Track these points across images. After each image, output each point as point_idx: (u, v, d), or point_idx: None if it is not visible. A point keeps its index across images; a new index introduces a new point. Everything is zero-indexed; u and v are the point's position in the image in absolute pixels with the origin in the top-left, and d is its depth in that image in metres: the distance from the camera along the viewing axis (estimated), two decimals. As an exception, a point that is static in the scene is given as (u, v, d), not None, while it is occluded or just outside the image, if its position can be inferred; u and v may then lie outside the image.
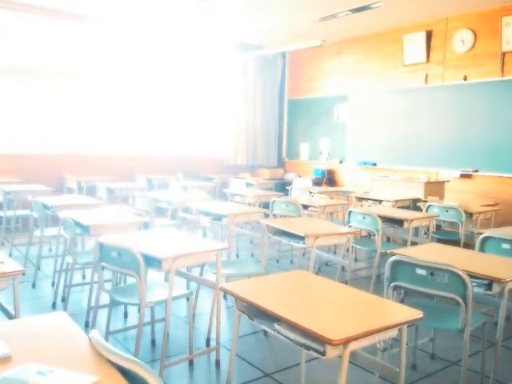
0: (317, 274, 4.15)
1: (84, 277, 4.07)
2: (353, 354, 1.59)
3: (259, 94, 8.21)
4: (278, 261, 4.86)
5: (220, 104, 8.00)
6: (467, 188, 5.84)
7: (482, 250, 2.86)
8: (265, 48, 7.86)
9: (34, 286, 3.78)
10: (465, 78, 5.85)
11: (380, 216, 3.75)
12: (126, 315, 3.21)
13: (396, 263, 2.11)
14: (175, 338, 2.83)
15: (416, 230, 4.68)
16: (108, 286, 2.57)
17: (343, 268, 4.42)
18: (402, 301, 2.83)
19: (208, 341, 2.77)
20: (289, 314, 1.40)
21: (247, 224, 6.01)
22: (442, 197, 5.45)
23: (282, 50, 7.82)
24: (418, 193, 5.24)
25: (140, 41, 6.94)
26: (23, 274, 1.82)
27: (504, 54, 5.49)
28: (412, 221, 3.73)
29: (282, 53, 8.34)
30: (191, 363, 2.49)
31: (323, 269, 4.66)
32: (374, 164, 6.92)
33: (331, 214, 5.32)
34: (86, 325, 2.95)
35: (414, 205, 5.09)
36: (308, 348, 1.35)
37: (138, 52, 6.99)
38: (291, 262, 4.90)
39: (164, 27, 6.87)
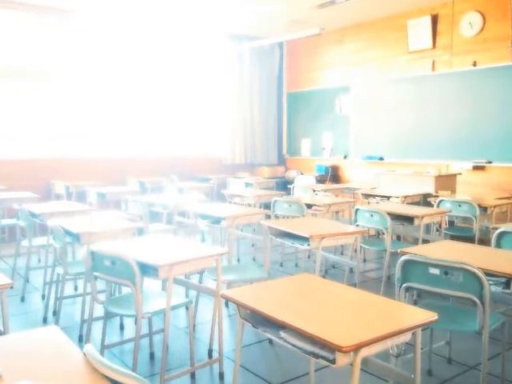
0: (323, 277, 4.15)
1: (76, 288, 4.07)
2: (364, 361, 1.59)
3: (256, 87, 8.21)
4: (281, 264, 4.87)
5: (215, 100, 8.01)
6: (480, 180, 5.84)
7: (498, 245, 2.87)
8: (260, 38, 7.86)
9: (22, 299, 3.78)
10: (474, 64, 5.85)
11: (389, 213, 3.75)
12: (122, 327, 3.22)
13: (407, 263, 2.11)
14: (175, 349, 2.84)
15: (427, 226, 4.68)
16: (102, 297, 2.57)
17: (351, 270, 4.42)
18: (414, 303, 2.84)
19: (210, 352, 2.78)
20: (295, 321, 1.40)
21: (248, 226, 6.01)
22: (453, 191, 5.45)
23: (279, 40, 7.83)
24: (429, 187, 5.24)
25: (128, 35, 6.94)
26: (11, 288, 1.82)
27: (515, 36, 5.49)
28: (423, 217, 3.73)
29: (279, 43, 8.35)
30: (193, 376, 2.49)
31: (330, 271, 4.67)
32: (381, 158, 6.92)
33: (337, 212, 5.32)
34: (80, 339, 2.95)
35: (424, 200, 5.09)
36: (317, 356, 1.35)
37: (127, 48, 6.99)
38: (296, 265, 4.91)
39: (154, 19, 6.87)
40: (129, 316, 2.60)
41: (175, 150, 7.61)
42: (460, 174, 5.77)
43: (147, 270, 2.21)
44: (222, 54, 7.91)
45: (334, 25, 7.30)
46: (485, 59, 5.77)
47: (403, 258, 2.12)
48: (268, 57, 8.36)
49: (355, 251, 3.96)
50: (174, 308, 2.34)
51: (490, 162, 5.69)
